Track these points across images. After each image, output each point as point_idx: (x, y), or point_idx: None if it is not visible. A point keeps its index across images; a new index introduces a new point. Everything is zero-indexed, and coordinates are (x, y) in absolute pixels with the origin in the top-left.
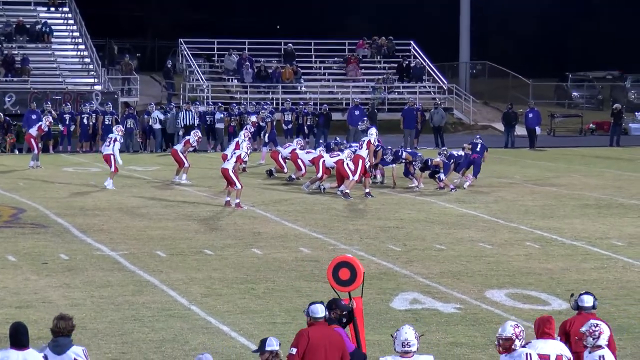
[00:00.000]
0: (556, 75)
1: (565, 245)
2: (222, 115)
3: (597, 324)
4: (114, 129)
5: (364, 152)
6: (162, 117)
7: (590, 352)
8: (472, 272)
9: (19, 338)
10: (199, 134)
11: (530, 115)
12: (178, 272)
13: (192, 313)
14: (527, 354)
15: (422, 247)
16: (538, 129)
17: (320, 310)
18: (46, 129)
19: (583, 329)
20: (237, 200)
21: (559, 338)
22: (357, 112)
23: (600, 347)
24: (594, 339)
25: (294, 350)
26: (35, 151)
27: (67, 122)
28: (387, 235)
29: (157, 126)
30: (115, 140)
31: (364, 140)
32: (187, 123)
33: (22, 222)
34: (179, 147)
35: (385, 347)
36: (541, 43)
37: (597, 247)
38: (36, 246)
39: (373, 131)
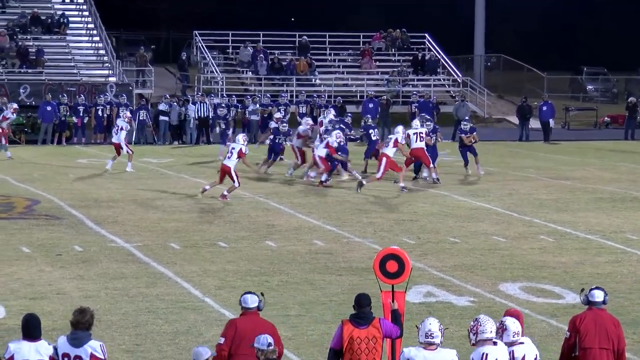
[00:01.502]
0: (571, 69)
1: (579, 238)
2: (256, 107)
3: (476, 319)
4: (121, 114)
5: (390, 151)
6: (163, 108)
7: (476, 348)
8: (486, 265)
9: (31, 330)
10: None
11: (545, 108)
12: (192, 264)
13: (206, 305)
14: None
15: (436, 240)
16: (552, 122)
17: (250, 301)
18: (11, 116)
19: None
20: (226, 193)
21: (569, 333)
22: (371, 105)
23: (487, 341)
24: (474, 334)
25: (222, 340)
26: (3, 141)
27: (81, 114)
28: (401, 228)
29: (163, 118)
30: (122, 128)
31: (390, 138)
32: (202, 115)
33: (37, 214)
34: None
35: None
36: (557, 37)
37: (611, 241)
38: (50, 238)
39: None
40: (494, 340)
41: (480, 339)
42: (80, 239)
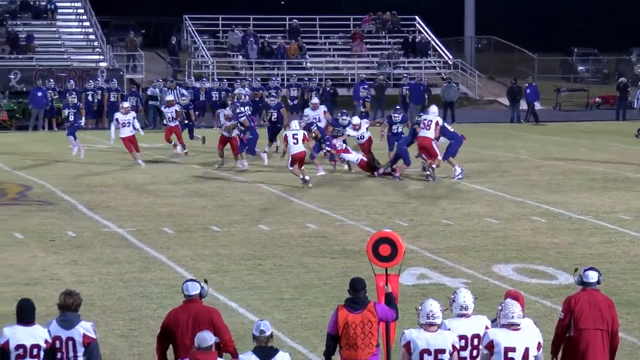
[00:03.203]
0: (562, 50)
1: (572, 219)
2: (244, 90)
3: (501, 303)
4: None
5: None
6: (152, 93)
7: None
8: (479, 247)
9: (25, 314)
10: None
11: (528, 90)
12: (185, 249)
13: None
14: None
15: (429, 223)
16: (537, 105)
17: (192, 288)
18: None
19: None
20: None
21: (563, 314)
22: (364, 87)
23: (512, 325)
24: (498, 317)
25: (158, 331)
26: None
27: None
28: (394, 210)
29: (152, 102)
30: (116, 119)
31: (431, 121)
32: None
33: (29, 200)
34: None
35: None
36: (548, 18)
37: (604, 221)
38: (43, 223)
39: (435, 109)
40: (519, 325)
41: (504, 323)
42: (74, 225)
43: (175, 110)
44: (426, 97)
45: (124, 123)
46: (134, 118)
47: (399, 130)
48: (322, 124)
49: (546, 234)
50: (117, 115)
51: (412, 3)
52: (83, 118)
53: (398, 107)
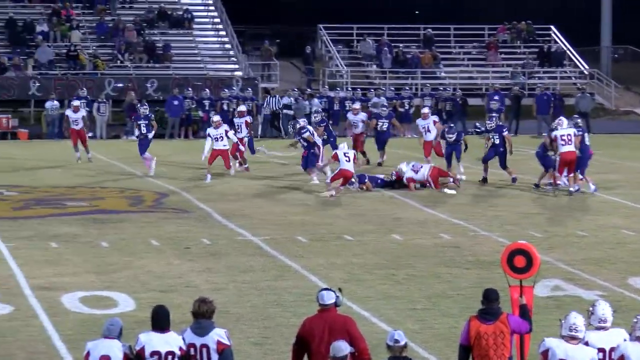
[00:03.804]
0: None
1: None
2: (379, 100)
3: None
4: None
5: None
6: (286, 102)
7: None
8: (615, 259)
9: (160, 321)
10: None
11: None
12: (319, 258)
13: None
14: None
15: (564, 234)
16: None
17: (327, 297)
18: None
19: None
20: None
21: None
22: (496, 98)
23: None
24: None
25: (293, 340)
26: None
27: (207, 108)
28: (528, 221)
29: (287, 111)
30: (208, 134)
31: (570, 134)
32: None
33: (165, 207)
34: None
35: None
36: None
37: None
38: (179, 231)
39: (566, 122)
40: None
41: (638, 335)
42: (208, 232)
43: (246, 121)
44: (552, 107)
45: (215, 137)
46: (226, 131)
47: (497, 141)
48: (432, 135)
49: None
50: (209, 130)
51: (547, 13)
52: (153, 131)
53: (494, 115)
